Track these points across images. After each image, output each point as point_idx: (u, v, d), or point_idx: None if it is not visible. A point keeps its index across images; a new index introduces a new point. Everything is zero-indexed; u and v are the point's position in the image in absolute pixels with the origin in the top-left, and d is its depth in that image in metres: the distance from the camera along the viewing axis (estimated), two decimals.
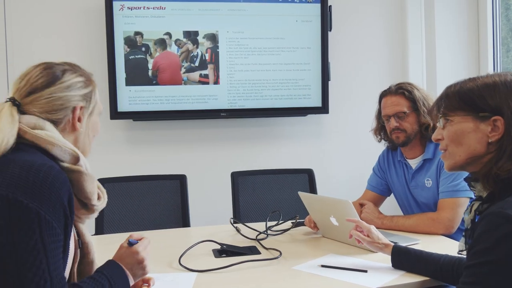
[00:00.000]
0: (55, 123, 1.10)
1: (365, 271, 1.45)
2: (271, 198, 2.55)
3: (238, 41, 3.09)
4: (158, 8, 2.98)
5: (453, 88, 1.15)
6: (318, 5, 3.14)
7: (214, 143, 3.20)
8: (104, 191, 1.19)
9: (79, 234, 1.14)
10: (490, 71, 1.20)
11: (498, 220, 0.96)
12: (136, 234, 1.25)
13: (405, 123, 2.01)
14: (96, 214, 1.17)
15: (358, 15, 3.35)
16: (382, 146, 2.24)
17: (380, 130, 2.17)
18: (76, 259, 1.13)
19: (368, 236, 1.58)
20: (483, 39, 3.27)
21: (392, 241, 1.56)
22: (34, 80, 1.11)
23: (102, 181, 2.32)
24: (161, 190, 2.43)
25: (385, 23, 3.39)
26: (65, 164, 1.06)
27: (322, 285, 1.37)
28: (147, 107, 3.00)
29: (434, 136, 1.19)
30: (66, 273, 1.08)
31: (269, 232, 1.93)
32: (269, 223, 1.98)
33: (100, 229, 2.27)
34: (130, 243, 1.19)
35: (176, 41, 3.01)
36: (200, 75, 3.05)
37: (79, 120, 1.14)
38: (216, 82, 3.07)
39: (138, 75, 2.98)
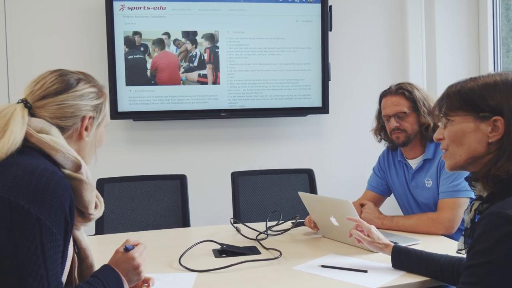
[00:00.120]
0: (63, 129, 1.11)
1: (365, 271, 1.45)
2: (271, 198, 2.55)
3: (238, 41, 3.09)
4: (158, 8, 2.98)
5: (454, 87, 1.15)
6: (319, 5, 3.14)
7: (214, 143, 3.20)
8: (102, 200, 1.18)
9: (75, 240, 1.14)
10: (491, 71, 1.20)
11: (498, 220, 0.96)
12: (132, 239, 1.25)
13: (405, 123, 2.01)
14: (92, 222, 1.17)
15: (358, 15, 3.35)
16: (382, 146, 2.24)
17: (380, 130, 2.17)
18: (75, 264, 1.13)
19: (368, 236, 1.58)
20: (483, 39, 3.27)
21: (392, 241, 1.56)
22: (49, 85, 1.12)
23: (102, 181, 2.34)
24: (161, 190, 2.43)
25: (386, 23, 3.39)
26: (67, 171, 1.06)
27: (322, 285, 1.37)
28: (147, 107, 3.01)
29: (435, 136, 1.19)
30: (64, 278, 1.09)
31: (269, 232, 1.93)
32: (269, 223, 1.98)
33: (100, 229, 2.27)
34: (127, 249, 1.20)
35: (175, 41, 3.00)
36: (199, 75, 3.05)
37: (86, 129, 1.16)
38: (215, 82, 3.07)
39: (137, 75, 2.98)
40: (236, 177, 2.52)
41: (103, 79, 2.91)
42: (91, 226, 2.22)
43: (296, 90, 3.17)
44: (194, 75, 3.05)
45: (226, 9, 3.06)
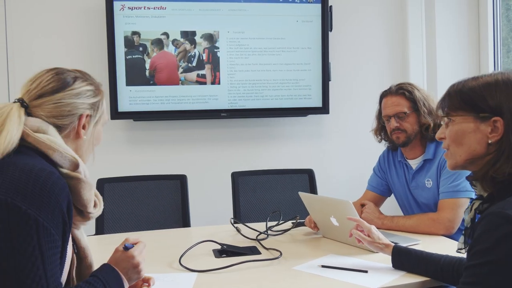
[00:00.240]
0: (60, 128, 1.11)
1: (366, 272, 1.45)
2: (272, 198, 2.55)
3: (239, 41, 3.09)
4: (158, 8, 2.98)
5: (456, 87, 1.15)
6: (319, 5, 3.14)
7: (215, 143, 3.20)
8: (101, 198, 1.18)
9: (74, 240, 1.14)
10: (491, 71, 1.20)
11: (498, 220, 0.96)
12: (132, 238, 1.25)
13: (405, 124, 2.01)
14: (91, 221, 1.16)
15: (358, 15, 3.35)
16: (382, 146, 2.24)
17: (381, 130, 2.17)
18: (74, 263, 1.13)
19: (368, 236, 1.57)
20: (483, 40, 3.27)
21: (392, 242, 1.56)
22: (45, 84, 1.11)
23: (103, 181, 2.34)
24: (161, 190, 2.43)
25: (386, 23, 3.39)
26: (64, 170, 1.06)
27: (322, 286, 1.37)
28: (148, 107, 3.01)
29: (437, 135, 1.19)
30: (64, 278, 1.09)
31: (269, 232, 1.93)
32: (270, 223, 1.98)
33: (100, 229, 2.27)
34: (126, 248, 1.19)
35: (174, 41, 3.00)
36: (198, 75, 3.05)
37: (84, 127, 1.15)
38: (214, 82, 3.07)
39: (136, 75, 2.98)
40: (236, 177, 2.52)
41: (103, 79, 2.92)
42: (91, 226, 2.23)
43: (296, 90, 3.17)
44: (192, 75, 3.05)
45: (227, 9, 3.06)
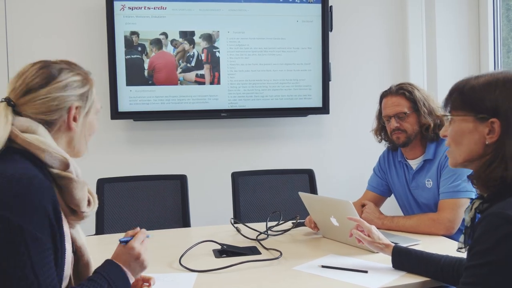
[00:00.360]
0: (50, 123, 1.08)
1: (366, 272, 1.45)
2: (272, 198, 2.55)
3: (239, 41, 3.09)
4: (159, 8, 2.98)
5: (458, 85, 1.14)
6: (319, 6, 3.14)
7: (215, 143, 3.20)
8: (95, 196, 1.16)
9: (71, 239, 1.13)
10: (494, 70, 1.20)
11: (498, 220, 0.96)
12: (131, 232, 1.24)
13: (405, 124, 2.01)
14: (86, 220, 1.14)
15: (358, 15, 3.34)
16: (382, 146, 2.24)
17: (381, 130, 2.17)
18: (71, 263, 1.12)
19: (368, 236, 1.57)
20: (483, 40, 3.27)
21: (392, 242, 1.56)
22: (30, 80, 1.08)
23: (103, 181, 2.34)
24: (161, 190, 2.43)
25: (386, 23, 3.39)
26: (55, 171, 1.04)
27: (322, 286, 1.37)
28: (148, 107, 3.00)
29: (441, 132, 1.20)
30: (67, 278, 1.08)
31: (269, 232, 1.93)
32: (270, 224, 1.98)
33: (100, 229, 2.27)
34: (124, 241, 1.19)
35: (172, 41, 3.00)
36: (196, 75, 3.05)
37: (75, 119, 1.12)
38: (213, 82, 3.07)
39: (135, 75, 2.98)
40: (237, 177, 2.52)
41: (103, 79, 2.94)
42: (91, 226, 2.23)
43: (296, 90, 3.17)
44: (191, 75, 3.05)
45: (227, 9, 3.06)
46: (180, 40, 3.02)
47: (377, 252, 1.60)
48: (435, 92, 3.13)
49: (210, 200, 3.09)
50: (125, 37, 2.95)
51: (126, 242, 1.19)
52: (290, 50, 3.15)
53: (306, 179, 2.59)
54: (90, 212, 1.12)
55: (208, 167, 3.17)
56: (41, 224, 0.95)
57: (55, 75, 1.10)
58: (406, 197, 2.13)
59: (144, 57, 2.99)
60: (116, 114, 2.96)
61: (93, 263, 1.18)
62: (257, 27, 3.10)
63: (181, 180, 2.43)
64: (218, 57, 3.07)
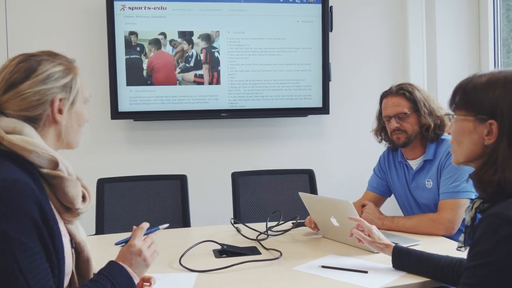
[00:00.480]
0: (35, 120, 1.06)
1: (366, 272, 1.45)
2: (272, 198, 2.55)
3: (239, 42, 3.09)
4: (159, 8, 2.98)
5: (462, 84, 1.14)
6: (319, 6, 3.14)
7: (215, 143, 3.20)
8: (90, 191, 1.14)
9: (70, 235, 1.12)
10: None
11: (498, 221, 0.96)
12: (132, 233, 1.23)
13: (405, 124, 2.01)
14: (83, 216, 1.12)
15: (358, 16, 3.35)
16: (382, 146, 2.24)
17: (381, 130, 2.17)
18: (72, 259, 1.12)
19: (369, 235, 1.57)
20: (484, 40, 3.27)
21: (392, 242, 1.56)
22: (9, 76, 1.05)
23: (103, 181, 2.34)
24: (161, 190, 2.43)
25: (386, 23, 3.39)
26: (45, 170, 1.03)
27: (322, 286, 1.37)
28: (148, 107, 3.00)
29: (446, 129, 1.20)
30: (69, 272, 1.08)
31: (269, 232, 1.93)
32: (270, 224, 1.98)
33: (100, 229, 2.27)
34: (120, 243, 1.18)
35: (171, 41, 3.00)
36: (195, 75, 3.05)
37: (60, 112, 1.09)
38: (211, 82, 3.06)
39: (134, 75, 2.97)
40: (237, 177, 2.52)
41: (103, 79, 2.94)
42: (91, 226, 2.23)
43: (296, 90, 3.17)
44: (190, 75, 3.05)
45: (227, 10, 3.06)
46: (179, 40, 3.02)
47: (377, 252, 1.60)
48: (435, 93, 3.14)
49: (210, 200, 3.09)
50: (125, 37, 2.95)
51: (124, 242, 1.18)
52: (290, 50, 3.15)
53: (306, 179, 2.60)
54: (85, 208, 1.10)
55: (208, 167, 3.17)
56: (26, 229, 0.94)
57: (33, 68, 1.06)
58: (406, 198, 2.13)
59: (143, 57, 2.98)
60: (116, 114, 2.96)
61: (94, 261, 1.18)
62: (257, 27, 3.10)
63: (181, 180, 2.43)
64: (217, 57, 3.07)
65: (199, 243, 1.75)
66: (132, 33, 2.96)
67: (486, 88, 1.07)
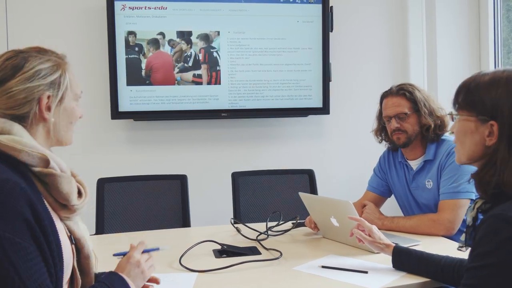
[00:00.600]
0: (23, 118, 1.04)
1: (366, 272, 1.45)
2: (272, 198, 2.55)
3: (239, 42, 3.09)
4: (159, 8, 2.98)
5: (466, 83, 1.13)
6: (319, 6, 3.14)
7: (215, 143, 3.20)
8: (86, 187, 1.13)
9: (70, 232, 1.11)
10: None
11: (500, 223, 0.96)
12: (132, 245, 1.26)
13: (406, 124, 2.01)
14: (80, 212, 1.12)
15: (359, 16, 3.35)
16: (382, 147, 2.24)
17: (381, 131, 2.17)
18: (73, 255, 1.11)
19: (369, 235, 1.57)
20: (484, 40, 3.27)
21: (393, 242, 1.56)
22: None
23: (103, 181, 2.34)
24: (161, 190, 2.43)
25: (386, 24, 3.39)
26: (37, 169, 1.02)
27: (322, 286, 1.37)
28: (148, 107, 3.00)
29: (450, 128, 1.19)
30: (68, 272, 1.08)
31: (269, 232, 1.93)
32: (270, 224, 1.98)
33: (100, 229, 2.27)
34: (122, 254, 1.20)
35: (170, 41, 3.00)
36: (194, 75, 3.05)
37: (49, 109, 1.07)
38: (210, 82, 3.06)
39: (132, 75, 2.97)
40: (237, 177, 2.52)
41: (104, 79, 2.94)
42: (91, 225, 2.23)
43: (296, 90, 3.17)
44: (188, 75, 3.05)
45: (227, 10, 3.06)
46: (178, 40, 3.02)
47: (377, 252, 1.60)
48: (436, 93, 3.14)
49: (210, 200, 3.09)
50: (125, 37, 2.95)
51: (122, 255, 1.20)
52: (290, 50, 3.15)
53: (306, 179, 2.59)
54: (81, 204, 1.10)
55: (208, 167, 3.17)
56: (19, 229, 0.93)
57: (20, 65, 1.04)
58: (406, 198, 2.13)
59: (141, 57, 2.98)
60: (116, 114, 2.96)
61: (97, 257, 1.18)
62: (257, 27, 3.10)
63: (181, 180, 2.43)
64: (216, 57, 3.07)
65: (199, 243, 1.75)
66: (130, 32, 2.95)
67: (489, 88, 1.07)
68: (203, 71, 3.06)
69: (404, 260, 1.44)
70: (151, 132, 3.13)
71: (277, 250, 1.67)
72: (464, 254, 1.18)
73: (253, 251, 1.71)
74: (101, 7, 2.95)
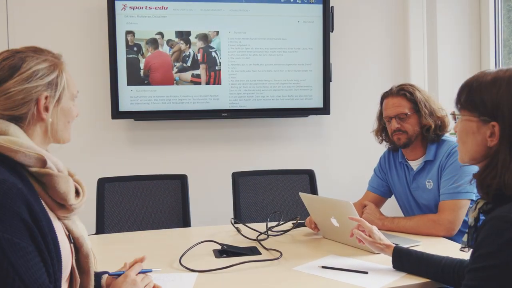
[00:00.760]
0: (20, 119, 1.04)
1: (366, 273, 1.44)
2: (272, 198, 2.55)
3: (240, 42, 3.09)
4: (160, 8, 2.98)
5: (468, 82, 1.12)
6: (320, 6, 3.14)
7: (215, 143, 3.20)
8: (84, 187, 1.13)
9: (68, 231, 1.11)
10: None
11: (503, 224, 0.96)
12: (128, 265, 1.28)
13: (406, 125, 2.01)
14: (78, 211, 1.11)
15: (359, 16, 3.34)
16: (383, 147, 2.24)
17: (381, 131, 2.17)
18: (72, 254, 1.11)
19: (369, 236, 1.57)
20: (485, 41, 3.27)
21: (393, 243, 1.56)
22: None
23: (103, 180, 2.34)
24: (162, 190, 2.43)
25: (387, 24, 3.39)
26: (34, 169, 1.02)
27: (322, 286, 1.37)
28: (149, 106, 3.00)
29: (454, 127, 1.18)
30: (67, 266, 1.08)
31: (269, 232, 1.93)
32: (270, 224, 1.98)
33: (100, 229, 2.27)
34: (117, 274, 1.22)
35: (168, 41, 3.00)
36: (192, 75, 3.05)
37: (47, 109, 1.07)
38: (208, 82, 3.06)
39: (132, 74, 2.97)
40: (237, 177, 2.52)
41: (104, 79, 2.94)
42: (91, 225, 2.23)
43: (297, 90, 3.17)
44: (187, 75, 3.05)
45: (228, 10, 3.06)
46: (176, 40, 3.02)
47: (377, 253, 1.60)
48: (436, 93, 3.13)
49: (210, 200, 3.09)
50: (125, 36, 2.95)
51: (117, 275, 1.22)
52: (291, 51, 3.15)
53: (307, 180, 2.59)
54: (79, 203, 1.10)
55: (209, 167, 3.17)
56: (17, 229, 0.94)
57: (17, 66, 1.04)
58: (406, 198, 2.13)
59: (140, 57, 2.98)
60: (117, 114, 2.96)
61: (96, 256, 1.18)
62: (258, 28, 3.10)
63: (181, 180, 2.43)
64: (214, 57, 3.06)
65: (199, 243, 1.75)
66: (129, 32, 2.95)
67: (490, 88, 1.06)
68: (201, 71, 3.06)
69: (404, 260, 1.44)
70: (152, 132, 3.13)
71: (277, 250, 1.67)
72: (465, 255, 1.18)
73: (253, 251, 1.71)
74: (101, 7, 2.95)
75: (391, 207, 2.30)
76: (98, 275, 1.27)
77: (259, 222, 2.16)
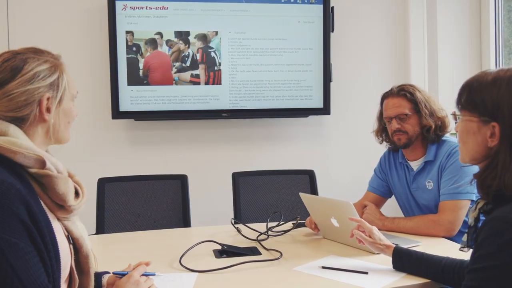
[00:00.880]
0: (22, 120, 1.04)
1: (366, 273, 1.44)
2: (272, 198, 2.55)
3: (240, 42, 3.09)
4: (160, 8, 2.98)
5: (469, 82, 1.12)
6: (321, 6, 3.14)
7: (216, 143, 3.20)
8: (84, 188, 1.14)
9: (68, 232, 1.12)
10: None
11: (503, 225, 0.96)
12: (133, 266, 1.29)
13: (406, 125, 2.01)
14: (78, 212, 1.12)
15: (360, 16, 3.34)
16: (383, 147, 2.24)
17: (382, 131, 2.17)
18: (71, 255, 1.11)
19: (369, 236, 1.57)
20: (485, 41, 3.27)
21: (393, 243, 1.56)
22: None
23: (103, 180, 2.34)
24: (162, 190, 2.43)
25: (387, 24, 3.39)
26: (33, 170, 1.02)
27: (322, 287, 1.37)
28: (149, 107, 3.01)
29: (455, 127, 1.18)
30: (66, 267, 1.08)
31: (270, 233, 1.93)
32: (270, 224, 1.98)
33: (101, 229, 2.27)
34: (121, 274, 1.22)
35: (168, 41, 3.00)
36: (191, 75, 3.05)
37: (48, 110, 1.07)
38: (208, 82, 3.06)
39: (132, 74, 2.97)
40: (237, 177, 2.52)
41: (105, 79, 2.94)
42: (91, 225, 2.23)
43: (297, 91, 3.17)
44: (186, 75, 3.05)
45: (228, 10, 3.06)
46: (175, 40, 3.01)
47: (377, 253, 1.60)
48: (436, 94, 3.12)
49: (210, 200, 3.09)
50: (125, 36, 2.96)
51: (121, 275, 1.23)
52: (291, 51, 3.15)
53: (307, 180, 2.59)
54: (78, 204, 1.10)
55: (209, 167, 3.17)
56: (16, 229, 0.94)
57: (19, 67, 1.04)
58: (406, 198, 2.13)
59: (139, 57, 2.98)
60: (117, 113, 2.96)
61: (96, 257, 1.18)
62: (258, 28, 3.10)
63: (181, 180, 2.43)
64: (214, 57, 3.06)
65: (199, 243, 1.75)
66: (128, 32, 2.95)
67: (491, 88, 1.06)
68: (200, 71, 3.06)
69: (404, 261, 1.44)
70: (152, 132, 3.13)
71: (277, 251, 1.67)
72: (465, 255, 1.18)
73: (253, 251, 1.71)
74: (102, 7, 2.95)
75: (391, 208, 2.30)
76: (99, 275, 1.28)
77: (259, 222, 2.16)
